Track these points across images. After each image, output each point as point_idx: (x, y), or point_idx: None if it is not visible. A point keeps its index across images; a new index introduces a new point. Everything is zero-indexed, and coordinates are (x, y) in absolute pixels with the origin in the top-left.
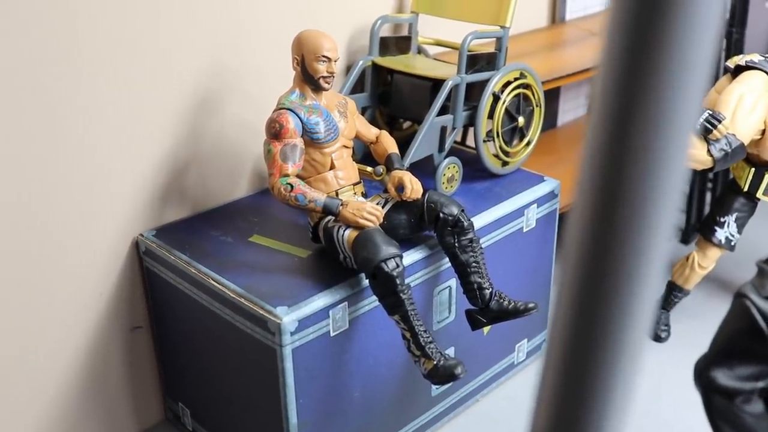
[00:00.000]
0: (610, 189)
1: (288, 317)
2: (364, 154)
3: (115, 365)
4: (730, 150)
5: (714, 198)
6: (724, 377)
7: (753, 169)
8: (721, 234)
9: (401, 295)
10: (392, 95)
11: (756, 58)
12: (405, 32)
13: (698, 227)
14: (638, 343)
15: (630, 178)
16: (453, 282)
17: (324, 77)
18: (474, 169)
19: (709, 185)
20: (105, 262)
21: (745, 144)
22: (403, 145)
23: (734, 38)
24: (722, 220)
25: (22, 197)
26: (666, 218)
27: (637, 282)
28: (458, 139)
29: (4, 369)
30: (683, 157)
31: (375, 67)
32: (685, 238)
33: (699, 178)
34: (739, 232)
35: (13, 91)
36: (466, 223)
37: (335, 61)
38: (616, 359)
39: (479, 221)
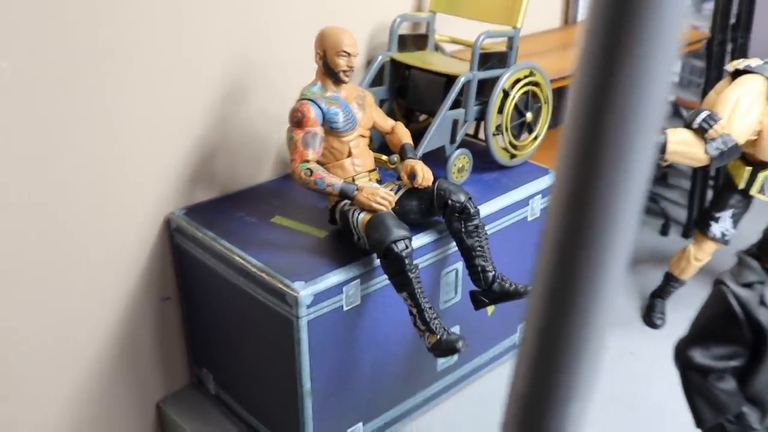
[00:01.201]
0: (580, 186)
1: (304, 291)
2: (381, 143)
3: (145, 333)
4: (725, 149)
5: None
6: (700, 356)
7: (749, 168)
8: (716, 229)
9: (409, 274)
10: (409, 89)
11: (754, 62)
12: (423, 30)
13: (696, 222)
14: (602, 321)
15: (599, 176)
16: (459, 265)
17: (344, 71)
18: (484, 160)
19: (711, 182)
20: (139, 237)
21: (740, 144)
22: (419, 136)
23: (739, 42)
24: (718, 215)
25: (67, 178)
26: (629, 214)
27: (602, 268)
28: (470, 132)
29: (46, 336)
30: (647, 158)
31: (393, 62)
32: (685, 233)
33: (700, 176)
34: (734, 227)
35: (54, 80)
36: (472, 210)
37: (355, 56)
38: (583, 339)
39: (486, 209)
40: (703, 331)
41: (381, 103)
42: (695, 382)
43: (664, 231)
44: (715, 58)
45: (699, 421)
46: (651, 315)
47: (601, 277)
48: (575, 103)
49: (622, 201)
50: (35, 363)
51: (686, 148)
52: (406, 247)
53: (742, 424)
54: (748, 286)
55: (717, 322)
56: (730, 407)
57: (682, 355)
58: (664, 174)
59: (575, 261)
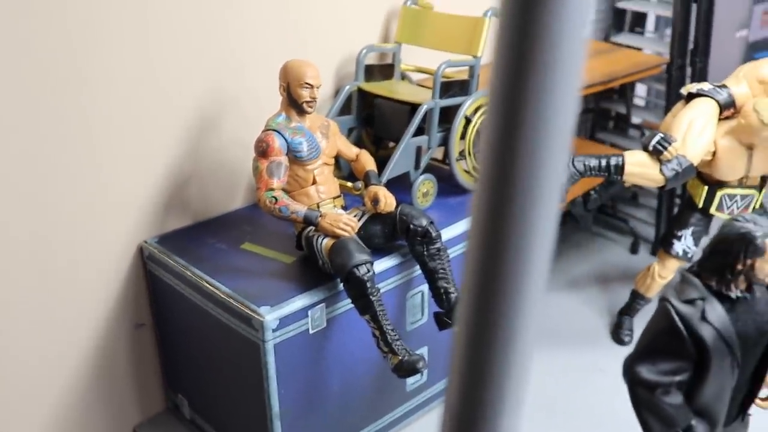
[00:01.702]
0: (496, 206)
1: (270, 315)
2: (350, 170)
3: (120, 359)
4: (680, 170)
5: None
6: (646, 371)
7: (706, 188)
8: (678, 246)
9: (371, 297)
10: (376, 117)
11: (706, 86)
12: (389, 60)
13: (659, 240)
14: (526, 338)
15: (512, 195)
16: (425, 287)
17: (307, 102)
18: (450, 184)
19: (677, 201)
20: (112, 265)
21: (695, 164)
22: (387, 163)
23: (698, 66)
24: (679, 234)
25: (39, 207)
26: (544, 231)
27: (520, 287)
28: (439, 157)
29: (21, 363)
30: (558, 172)
31: (360, 91)
32: (654, 250)
33: (667, 195)
34: (696, 244)
35: (27, 111)
36: (434, 234)
37: (317, 88)
38: (507, 348)
39: (450, 232)
40: (648, 347)
41: (349, 132)
42: (643, 397)
43: (633, 249)
44: (675, 82)
45: None
46: (619, 332)
47: (521, 292)
48: (490, 131)
49: (537, 210)
50: (11, 389)
51: (642, 169)
52: (368, 271)
53: None
54: (690, 302)
55: (661, 338)
56: (679, 421)
57: (629, 371)
58: (634, 194)
59: (495, 277)
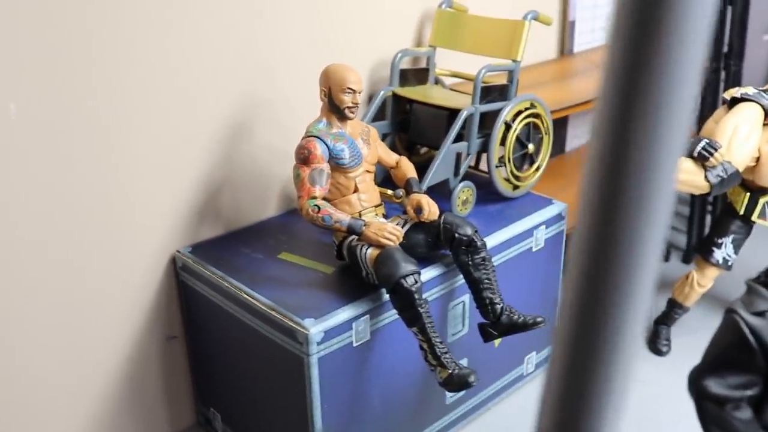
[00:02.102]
0: (607, 210)
1: (315, 328)
2: (384, 177)
3: (151, 372)
4: (726, 176)
5: (713, 220)
6: (715, 386)
7: (748, 194)
8: (718, 254)
9: (419, 309)
10: (411, 123)
11: (750, 90)
12: (423, 64)
13: (697, 248)
14: (631, 349)
15: (625, 201)
16: (466, 297)
17: (349, 107)
18: (487, 192)
19: (709, 208)
20: (145, 276)
21: (740, 171)
22: (420, 169)
23: (732, 70)
24: (720, 241)
25: (71, 218)
26: (656, 237)
27: (630, 294)
28: (472, 164)
29: (51, 375)
30: (672, 180)
31: (395, 96)
32: (686, 258)
33: (699, 202)
34: (736, 252)
35: (59, 121)
36: (479, 243)
37: (359, 93)
38: (612, 364)
39: (491, 241)
40: (717, 361)
41: (383, 137)
42: (711, 412)
43: (665, 257)
44: (710, 86)
45: None
46: (656, 342)
47: (629, 299)
48: (600, 131)
49: (649, 218)
50: (42, 401)
51: (687, 176)
52: (416, 282)
53: None
54: (760, 314)
55: (730, 352)
56: None
57: (696, 384)
58: None
59: (603, 282)
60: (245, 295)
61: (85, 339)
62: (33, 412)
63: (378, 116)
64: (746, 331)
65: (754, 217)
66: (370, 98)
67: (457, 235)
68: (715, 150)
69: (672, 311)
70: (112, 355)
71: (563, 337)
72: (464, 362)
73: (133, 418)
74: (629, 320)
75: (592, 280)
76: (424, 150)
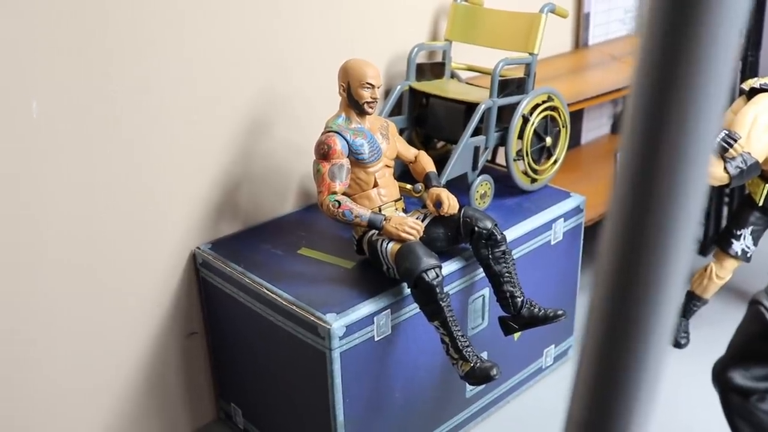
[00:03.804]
0: (639, 201)
1: (337, 323)
2: (402, 171)
3: (172, 368)
4: (745, 167)
5: (731, 212)
6: (740, 377)
7: (767, 185)
8: (737, 246)
9: (441, 302)
10: (428, 117)
11: None
12: (439, 59)
13: (716, 240)
14: (662, 342)
15: (657, 192)
16: (486, 291)
17: (368, 102)
18: (505, 185)
19: (726, 200)
20: (165, 273)
21: (760, 162)
22: (438, 163)
23: (749, 61)
24: (738, 233)
25: (94, 217)
26: (689, 229)
27: (662, 288)
28: (489, 157)
29: (75, 371)
30: (704, 172)
31: (412, 91)
32: (703, 250)
33: (716, 193)
34: (755, 244)
35: (79, 118)
36: (499, 237)
37: (378, 88)
38: (643, 357)
39: (510, 234)
40: (741, 352)
41: (400, 132)
42: (736, 404)
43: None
44: None
45: None
46: (675, 335)
47: (662, 290)
48: (632, 121)
49: (682, 209)
50: (63, 398)
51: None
52: (437, 276)
53: None
54: None
55: (755, 343)
56: None
57: (720, 376)
58: None
59: (635, 270)
60: (267, 291)
61: (107, 337)
62: (56, 410)
63: (395, 111)
64: None
65: None
66: (387, 93)
67: (477, 228)
68: (735, 141)
69: (690, 303)
70: (134, 352)
71: (594, 332)
72: (484, 355)
73: (155, 414)
74: (660, 316)
75: (624, 274)
76: (440, 144)
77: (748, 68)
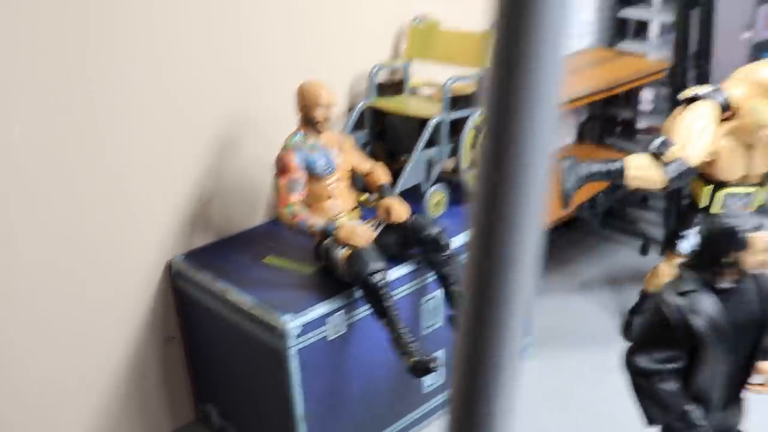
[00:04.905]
0: (489, 217)
1: (293, 323)
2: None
3: (151, 372)
4: (680, 171)
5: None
6: (644, 361)
7: (709, 188)
8: (684, 244)
9: (385, 302)
10: (387, 132)
11: (703, 90)
12: (399, 76)
13: (664, 243)
14: (513, 341)
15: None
16: (439, 293)
17: (321, 122)
18: (462, 194)
19: (685, 201)
20: (143, 283)
21: (695, 166)
22: (398, 175)
23: (700, 72)
24: (682, 234)
25: (74, 229)
26: (528, 248)
27: (506, 301)
28: (451, 168)
29: (57, 375)
30: (540, 187)
31: (373, 108)
32: (664, 251)
33: (674, 197)
34: None
35: (54, 133)
36: (443, 242)
37: (332, 107)
38: (499, 356)
39: (462, 239)
40: (643, 339)
41: (364, 146)
42: (641, 385)
43: (643, 251)
44: (679, 86)
45: (649, 420)
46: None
47: (506, 305)
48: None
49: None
50: (45, 400)
51: (644, 172)
52: (383, 278)
53: (686, 421)
54: (684, 294)
55: (655, 329)
56: (674, 406)
57: (627, 361)
58: (644, 197)
59: (490, 272)
60: (232, 296)
61: (89, 343)
62: (39, 412)
63: (357, 127)
64: (666, 310)
65: (714, 210)
66: (350, 110)
67: (423, 234)
68: (671, 146)
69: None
70: (114, 356)
71: (461, 331)
72: (441, 354)
73: (136, 416)
74: (507, 320)
75: (479, 279)
76: (404, 157)
77: (700, 76)
